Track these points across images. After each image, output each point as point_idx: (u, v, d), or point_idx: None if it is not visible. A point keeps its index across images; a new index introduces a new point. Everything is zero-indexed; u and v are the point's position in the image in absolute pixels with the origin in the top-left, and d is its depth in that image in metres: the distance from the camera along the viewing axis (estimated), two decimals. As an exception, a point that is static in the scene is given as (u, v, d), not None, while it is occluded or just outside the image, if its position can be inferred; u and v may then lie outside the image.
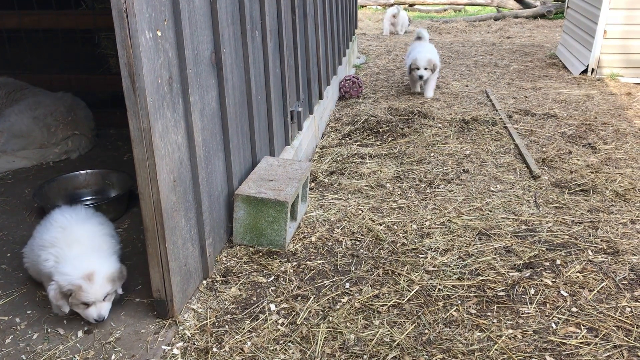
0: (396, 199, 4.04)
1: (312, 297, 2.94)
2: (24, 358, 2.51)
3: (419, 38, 7.27)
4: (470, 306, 2.85)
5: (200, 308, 2.85)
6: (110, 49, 5.47)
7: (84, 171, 4.06)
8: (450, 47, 10.23)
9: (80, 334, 2.65)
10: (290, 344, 2.61)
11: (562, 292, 2.95)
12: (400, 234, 3.55)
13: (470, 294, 2.94)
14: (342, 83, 6.94)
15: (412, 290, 2.98)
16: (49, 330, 2.69)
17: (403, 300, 2.90)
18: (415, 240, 3.47)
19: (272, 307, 2.86)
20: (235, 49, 3.36)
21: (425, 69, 6.50)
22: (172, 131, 2.62)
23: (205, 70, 2.97)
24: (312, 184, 4.34)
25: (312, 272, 3.16)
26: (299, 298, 2.94)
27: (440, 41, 10.90)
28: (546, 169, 4.52)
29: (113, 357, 2.50)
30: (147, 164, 2.46)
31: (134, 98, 2.37)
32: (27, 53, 5.71)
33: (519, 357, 2.49)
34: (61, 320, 2.74)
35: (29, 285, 3.02)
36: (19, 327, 2.72)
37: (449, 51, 9.79)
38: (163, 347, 2.56)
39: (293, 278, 3.11)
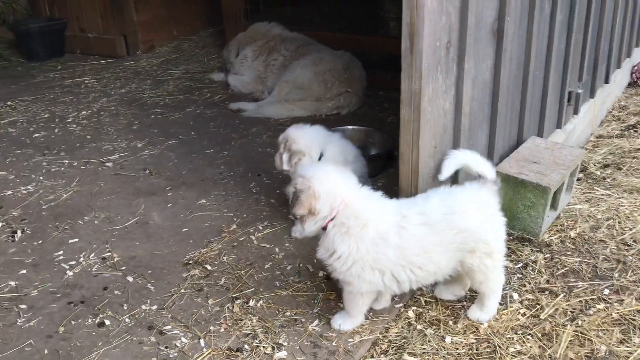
0: (684, 208, 3.44)
1: (562, 295, 2.69)
2: (277, 284, 2.80)
3: None
4: None
5: (439, 278, 2.82)
6: (392, 12, 5.62)
7: (351, 127, 4.29)
8: None
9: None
10: (529, 336, 2.44)
11: None
12: (682, 248, 3.03)
13: None
14: (636, 68, 6.10)
15: (689, 315, 2.53)
16: (301, 265, 2.94)
17: (674, 323, 2.49)
18: (702, 259, 2.92)
19: (515, 295, 2.70)
20: (520, 19, 3.15)
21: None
22: (440, 97, 2.58)
23: (485, 38, 2.85)
24: (581, 175, 3.92)
25: (566, 268, 2.89)
26: (547, 292, 2.72)
27: None
28: None
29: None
30: (412, 127, 2.48)
31: (410, 59, 2.38)
32: (316, 11, 6.20)
33: None
34: (311, 259, 2.97)
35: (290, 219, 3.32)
36: (277, 257, 3.03)
37: None
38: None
39: (543, 270, 2.88)
